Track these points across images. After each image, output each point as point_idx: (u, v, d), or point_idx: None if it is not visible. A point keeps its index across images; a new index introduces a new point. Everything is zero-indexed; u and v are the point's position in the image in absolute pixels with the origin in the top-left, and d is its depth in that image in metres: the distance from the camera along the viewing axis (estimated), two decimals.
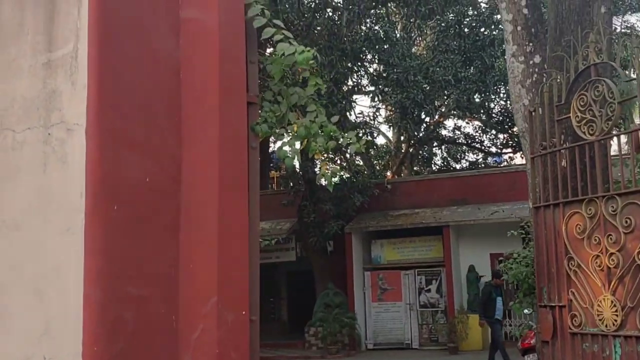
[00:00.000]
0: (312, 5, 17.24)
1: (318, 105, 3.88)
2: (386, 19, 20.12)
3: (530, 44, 7.78)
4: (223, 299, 3.37)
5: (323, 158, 3.92)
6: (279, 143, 3.97)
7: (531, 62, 7.75)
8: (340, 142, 3.97)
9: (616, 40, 7.21)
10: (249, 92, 3.87)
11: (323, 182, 4.10)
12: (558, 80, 6.21)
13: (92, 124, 2.86)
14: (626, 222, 5.34)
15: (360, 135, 22.27)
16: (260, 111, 3.95)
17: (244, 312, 3.51)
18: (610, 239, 5.51)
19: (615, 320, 5.34)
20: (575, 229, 5.88)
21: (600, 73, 6.17)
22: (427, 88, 17.60)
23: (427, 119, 21.36)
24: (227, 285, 3.42)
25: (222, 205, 3.46)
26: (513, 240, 10.80)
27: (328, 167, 3.99)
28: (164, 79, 3.37)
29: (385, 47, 18.21)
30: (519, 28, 7.88)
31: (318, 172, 4.10)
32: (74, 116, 2.89)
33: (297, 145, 4.02)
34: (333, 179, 4.14)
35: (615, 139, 5.74)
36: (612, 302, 5.41)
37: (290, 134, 3.88)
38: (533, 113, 6.67)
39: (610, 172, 5.69)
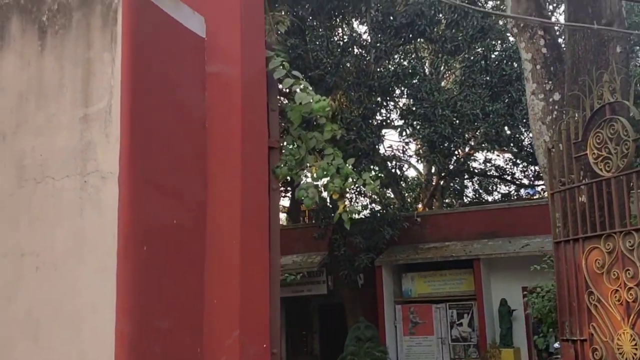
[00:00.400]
0: (341, 44, 17.64)
1: (335, 148, 4.13)
2: (414, 54, 20.44)
3: (550, 82, 7.96)
4: (245, 332, 3.59)
5: (347, 196, 4.14)
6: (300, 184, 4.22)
7: (551, 99, 7.93)
8: (357, 183, 4.21)
9: (632, 79, 7.34)
10: (270, 138, 4.15)
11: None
12: (575, 118, 6.38)
13: (123, 172, 3.15)
14: None
15: (390, 167, 22.47)
16: (281, 155, 4.21)
17: (265, 345, 3.72)
18: (629, 273, 5.61)
19: (635, 354, 5.41)
20: (594, 264, 5.98)
21: (617, 111, 6.33)
22: (456, 122, 17.77)
23: (457, 152, 21.47)
24: (249, 319, 3.64)
25: (244, 244, 3.70)
26: (544, 274, 10.78)
27: (346, 206, 4.22)
28: (191, 128, 3.66)
29: (413, 82, 18.49)
30: (538, 67, 8.07)
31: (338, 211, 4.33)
32: (108, 165, 3.18)
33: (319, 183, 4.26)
34: (354, 214, 4.36)
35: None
36: (631, 335, 5.49)
37: (309, 176, 4.13)
38: (552, 150, 6.83)
39: (627, 208, 5.80)
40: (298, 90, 3.97)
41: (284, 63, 4.04)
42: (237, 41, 3.91)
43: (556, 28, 10.80)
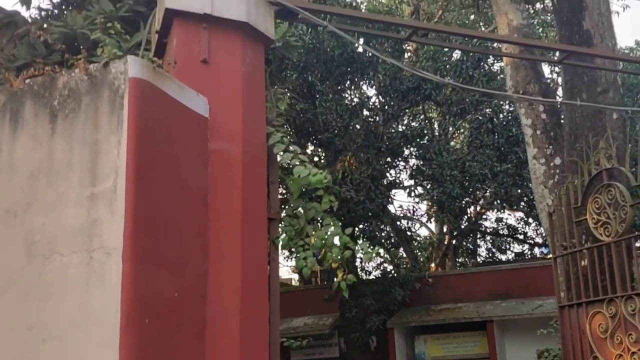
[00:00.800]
0: (350, 107, 18.01)
1: (333, 218, 4.28)
2: (423, 115, 20.78)
3: (550, 147, 8.12)
4: None
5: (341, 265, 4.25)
6: (298, 255, 4.35)
7: (552, 164, 8.08)
8: (354, 252, 4.33)
9: (628, 144, 7.48)
10: (270, 209, 4.32)
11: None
12: (575, 183, 6.51)
13: (127, 248, 3.31)
14: None
15: (400, 227, 22.51)
16: (281, 224, 4.37)
17: None
18: (631, 338, 5.63)
19: None
20: (598, 328, 6.00)
21: (615, 176, 6.46)
22: (465, 182, 17.91)
23: (468, 211, 21.50)
24: None
25: (244, 315, 3.82)
26: (555, 337, 10.68)
27: (345, 275, 4.34)
28: (193, 203, 3.83)
29: (422, 142, 18.75)
30: (538, 132, 8.26)
31: (335, 279, 4.45)
32: (113, 242, 3.35)
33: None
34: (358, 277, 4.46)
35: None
36: None
37: (308, 245, 4.27)
38: (553, 214, 6.93)
39: (628, 272, 5.85)
40: (297, 163, 4.16)
41: (283, 138, 4.24)
42: (238, 119, 4.13)
43: (556, 93, 11.07)
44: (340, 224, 4.32)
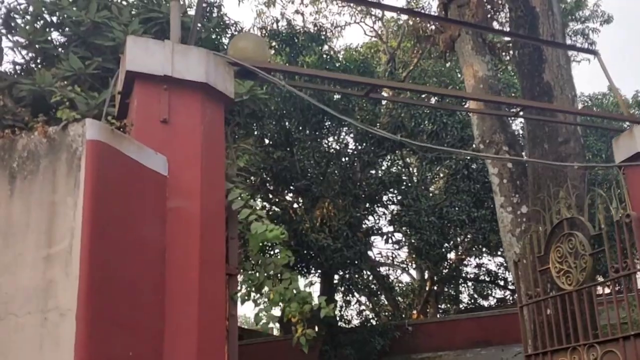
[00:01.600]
0: (327, 154, 18.20)
1: (292, 273, 4.35)
2: (401, 161, 21.02)
3: (517, 195, 8.29)
4: None
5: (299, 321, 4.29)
6: (256, 309, 4.39)
7: (519, 212, 8.23)
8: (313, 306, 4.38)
9: (591, 193, 7.66)
10: (229, 264, 4.37)
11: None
12: (539, 232, 6.64)
13: (81, 309, 3.34)
14: None
15: (383, 274, 22.49)
16: (240, 279, 4.42)
17: None
18: None
19: None
20: None
21: (578, 224, 6.59)
22: (443, 228, 18.04)
23: (449, 257, 21.56)
24: None
25: None
26: None
27: (304, 331, 4.37)
28: (150, 260, 3.88)
29: (401, 188, 18.92)
30: (504, 181, 8.43)
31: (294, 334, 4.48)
32: (67, 302, 3.38)
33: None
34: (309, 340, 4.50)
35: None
36: None
37: (267, 300, 4.32)
38: (518, 263, 7.04)
39: (588, 320, 5.93)
40: (254, 219, 4.24)
41: (242, 194, 4.33)
42: (197, 177, 4.21)
43: (520, 142, 11.30)
44: (300, 277, 4.37)
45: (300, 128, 17.51)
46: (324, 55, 17.72)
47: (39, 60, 6.60)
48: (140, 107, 4.27)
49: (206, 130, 4.36)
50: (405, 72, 20.89)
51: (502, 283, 25.09)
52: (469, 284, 26.14)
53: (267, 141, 17.18)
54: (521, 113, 6.24)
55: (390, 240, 19.07)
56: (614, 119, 6.99)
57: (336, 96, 16.76)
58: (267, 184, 17.83)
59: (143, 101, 4.27)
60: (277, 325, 24.98)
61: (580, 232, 6.14)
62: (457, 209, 18.14)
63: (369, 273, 20.74)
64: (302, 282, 4.77)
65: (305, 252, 16.16)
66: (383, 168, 20.87)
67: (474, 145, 10.64)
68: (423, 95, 16.93)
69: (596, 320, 6.09)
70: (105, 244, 3.56)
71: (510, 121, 9.19)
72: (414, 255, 20.69)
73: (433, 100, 15.07)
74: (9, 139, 3.82)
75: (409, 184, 19.49)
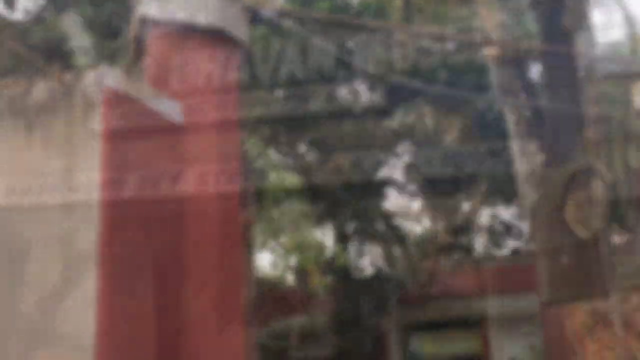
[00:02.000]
0: (340, 105, 17.96)
1: (307, 223, 4.35)
2: (415, 111, 20.75)
3: (534, 144, 8.16)
4: None
5: None
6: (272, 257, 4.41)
7: (535, 160, 8.11)
8: None
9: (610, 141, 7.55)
10: (246, 215, 4.38)
11: None
12: (555, 180, 6.56)
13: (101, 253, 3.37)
14: None
15: (397, 225, 22.48)
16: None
17: None
18: (610, 334, 5.70)
19: None
20: (579, 325, 6.08)
21: (596, 172, 6.49)
22: (456, 178, 17.87)
23: (463, 207, 21.45)
24: None
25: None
26: None
27: (319, 280, 4.40)
28: (167, 203, 3.89)
29: (415, 138, 18.69)
30: (521, 129, 8.30)
31: None
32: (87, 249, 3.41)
33: None
34: None
35: None
36: None
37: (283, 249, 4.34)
38: (535, 212, 6.98)
39: (604, 269, 5.91)
40: (271, 168, 4.22)
41: (256, 144, 4.29)
42: (213, 123, 4.18)
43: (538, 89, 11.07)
44: (315, 227, 4.37)
45: (314, 78, 17.27)
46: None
47: (50, 7, 6.51)
48: (155, 53, 4.21)
49: (221, 76, 4.31)
50: (420, 18, 20.42)
51: (516, 233, 25.03)
52: (483, 233, 26.11)
53: (280, 92, 17.00)
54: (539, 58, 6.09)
55: (404, 191, 18.96)
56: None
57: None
58: (280, 135, 17.72)
59: (157, 47, 4.22)
60: (292, 274, 25.28)
61: (598, 179, 6.07)
62: (472, 159, 17.95)
63: (382, 224, 20.75)
64: (316, 232, 4.77)
65: (319, 203, 16.15)
66: (397, 118, 20.59)
67: (491, 94, 10.45)
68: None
69: (613, 269, 6.08)
70: (122, 190, 3.56)
71: (529, 68, 8.98)
72: (428, 206, 20.63)
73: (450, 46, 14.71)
74: (25, 87, 3.79)
75: (424, 134, 19.25)
